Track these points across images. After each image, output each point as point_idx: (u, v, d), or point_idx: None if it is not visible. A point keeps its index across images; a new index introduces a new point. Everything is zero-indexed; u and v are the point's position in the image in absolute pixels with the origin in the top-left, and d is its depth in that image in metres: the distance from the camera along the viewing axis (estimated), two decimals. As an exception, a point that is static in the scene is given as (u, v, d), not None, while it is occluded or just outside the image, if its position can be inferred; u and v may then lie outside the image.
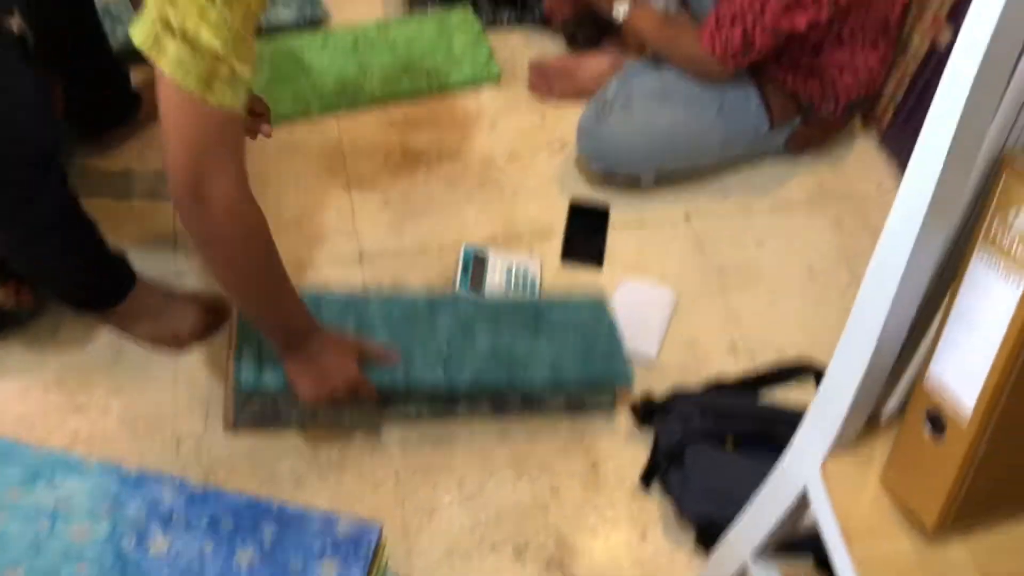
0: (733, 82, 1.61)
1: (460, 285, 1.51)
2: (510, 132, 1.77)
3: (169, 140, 0.97)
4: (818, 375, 1.46)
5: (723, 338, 1.50)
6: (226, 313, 1.43)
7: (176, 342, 1.40)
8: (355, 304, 1.35)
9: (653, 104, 1.60)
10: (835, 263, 1.62)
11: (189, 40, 0.91)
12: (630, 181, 1.67)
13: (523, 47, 1.91)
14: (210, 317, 1.41)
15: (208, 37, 0.91)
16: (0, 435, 1.29)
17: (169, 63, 0.92)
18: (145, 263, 1.40)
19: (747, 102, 1.62)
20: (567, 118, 1.78)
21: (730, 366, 1.47)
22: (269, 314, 1.16)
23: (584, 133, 1.64)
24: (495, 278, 1.52)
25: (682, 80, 1.61)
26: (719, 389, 1.42)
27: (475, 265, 1.53)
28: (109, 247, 1.32)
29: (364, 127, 1.74)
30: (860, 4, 1.48)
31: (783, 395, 1.43)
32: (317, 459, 1.32)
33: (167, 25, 0.90)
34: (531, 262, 1.55)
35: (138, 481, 1.17)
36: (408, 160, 1.70)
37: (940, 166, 0.63)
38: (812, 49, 1.56)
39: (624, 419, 1.39)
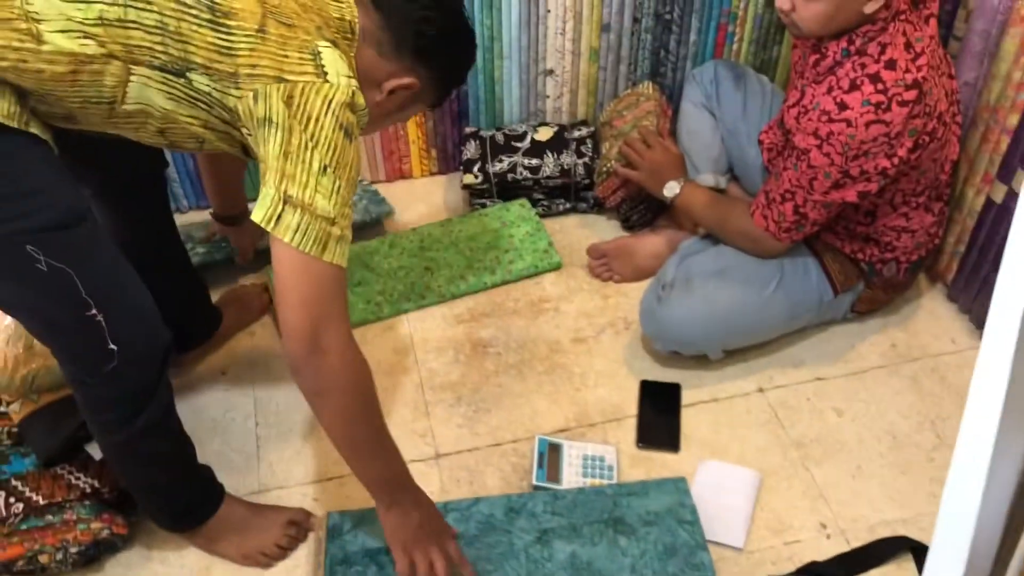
0: (791, 254, 1.63)
1: (536, 478, 1.51)
2: (573, 315, 1.80)
3: (287, 301, 1.09)
4: (915, 550, 1.39)
5: (812, 518, 1.46)
6: (310, 525, 1.45)
7: (264, 559, 1.41)
8: None
9: (712, 283, 1.62)
10: (918, 426, 1.58)
11: (307, 209, 1.06)
12: (698, 356, 1.68)
13: (580, 232, 1.98)
14: (295, 530, 1.43)
15: (323, 203, 1.07)
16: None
17: (290, 232, 1.06)
18: (226, 480, 1.44)
19: (807, 273, 1.64)
20: (630, 297, 1.82)
21: (823, 548, 1.42)
22: (375, 462, 1.24)
23: (646, 316, 1.66)
24: (571, 468, 1.52)
25: (740, 257, 1.64)
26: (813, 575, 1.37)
27: (550, 456, 1.54)
28: (197, 463, 1.37)
29: (433, 323, 1.80)
30: (909, 170, 1.51)
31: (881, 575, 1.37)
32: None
33: (287, 199, 1.06)
34: (607, 450, 1.55)
35: None
36: (477, 353, 1.74)
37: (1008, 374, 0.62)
38: (866, 215, 1.59)
39: (717, 613, 1.35)
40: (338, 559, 1.36)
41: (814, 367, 1.69)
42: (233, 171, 1.70)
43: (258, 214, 1.07)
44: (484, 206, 2.00)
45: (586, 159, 1.96)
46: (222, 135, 1.18)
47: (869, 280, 1.66)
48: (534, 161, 1.96)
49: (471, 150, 2.00)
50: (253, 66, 1.09)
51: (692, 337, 1.63)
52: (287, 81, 1.08)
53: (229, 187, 1.74)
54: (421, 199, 2.07)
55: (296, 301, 1.09)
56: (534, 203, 2.00)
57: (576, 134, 2.00)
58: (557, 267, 1.89)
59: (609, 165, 1.90)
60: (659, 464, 1.54)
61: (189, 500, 1.38)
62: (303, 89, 1.08)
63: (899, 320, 1.76)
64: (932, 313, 1.78)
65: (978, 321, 1.73)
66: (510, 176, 1.96)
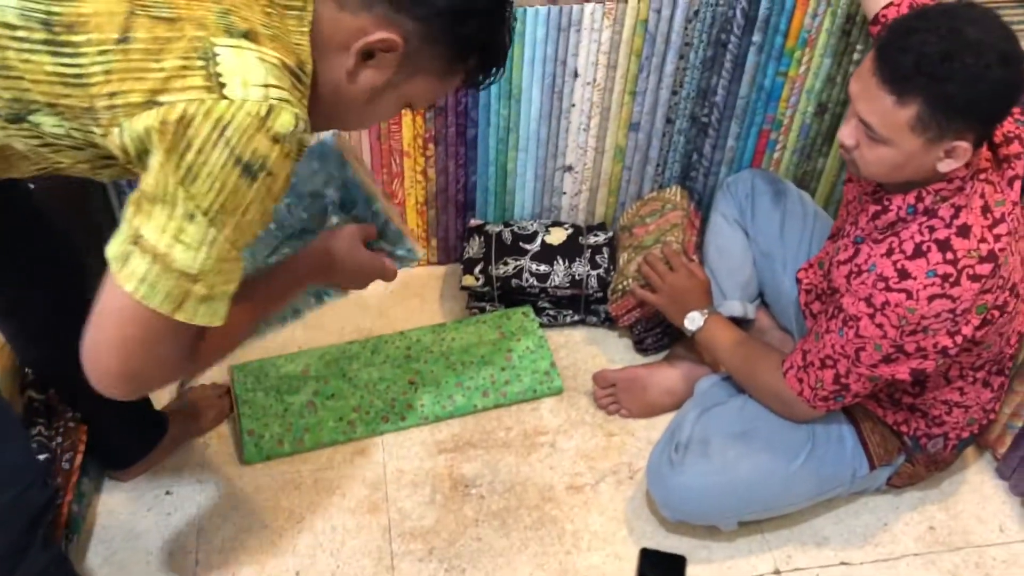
0: (825, 419, 1.42)
1: (511, 664, 1.30)
2: (572, 455, 1.59)
3: (104, 338, 0.86)
4: None
5: None
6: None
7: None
8: None
9: (734, 450, 1.41)
10: (957, 637, 1.36)
11: (160, 259, 0.81)
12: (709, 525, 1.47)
13: (588, 349, 1.77)
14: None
15: (183, 256, 0.82)
16: None
17: (133, 281, 0.82)
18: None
19: (842, 443, 1.43)
20: (637, 437, 1.61)
21: None
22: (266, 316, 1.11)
23: (655, 479, 1.45)
24: (552, 657, 1.31)
25: (768, 417, 1.43)
26: None
27: (529, 639, 1.33)
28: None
29: (411, 450, 1.58)
30: (972, 346, 1.29)
31: None
32: None
33: (138, 241, 0.82)
34: (594, 636, 1.34)
35: None
36: (457, 493, 1.53)
37: None
38: (915, 384, 1.37)
39: None
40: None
41: (840, 548, 1.47)
42: None
43: (111, 249, 0.83)
44: (483, 310, 1.80)
45: (600, 271, 1.75)
46: (125, 171, 0.92)
47: (911, 455, 1.45)
48: (543, 267, 1.75)
49: (474, 247, 1.79)
50: (111, 95, 0.80)
51: (706, 509, 1.42)
52: (161, 104, 0.79)
53: None
54: (415, 292, 1.86)
55: (117, 344, 0.85)
56: (539, 311, 1.79)
57: (592, 240, 1.79)
58: (558, 392, 1.68)
59: (626, 283, 1.69)
60: (654, 660, 1.33)
61: None
62: (184, 112, 0.79)
63: (940, 496, 1.55)
64: (978, 491, 1.56)
65: (1030, 507, 1.51)
66: (515, 281, 1.75)
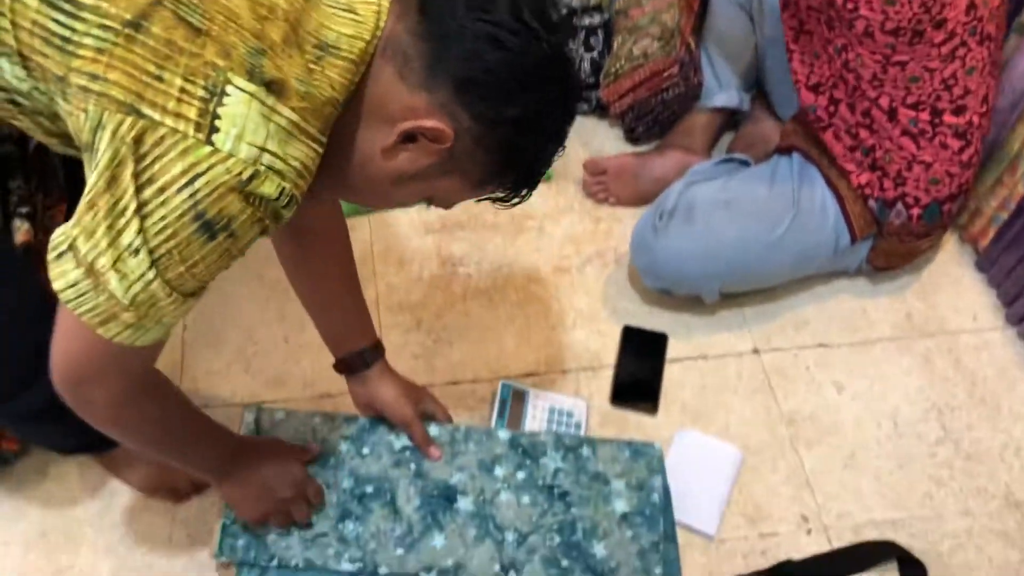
0: (808, 190, 1.42)
1: (495, 426, 1.34)
2: (559, 239, 1.59)
3: (54, 338, 0.80)
4: (901, 560, 1.26)
5: (793, 508, 1.31)
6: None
7: (173, 494, 1.24)
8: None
9: (718, 215, 1.41)
10: (923, 414, 1.42)
11: (94, 274, 0.73)
12: (691, 300, 1.49)
13: (576, 139, 1.73)
14: None
15: (117, 285, 0.73)
16: (-29, 604, 1.15)
17: (61, 282, 0.75)
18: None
19: (824, 212, 1.42)
20: (624, 223, 1.61)
21: (800, 544, 1.28)
22: (184, 461, 1.05)
23: (639, 247, 1.46)
24: (535, 421, 1.35)
25: (752, 189, 1.43)
26: None
27: (513, 404, 1.36)
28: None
29: (399, 230, 1.58)
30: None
31: (862, 585, 1.24)
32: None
33: (72, 248, 0.73)
34: (576, 404, 1.37)
35: None
36: (444, 270, 1.53)
37: None
38: (869, 125, 1.36)
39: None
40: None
41: (818, 330, 1.50)
42: (334, 279, 1.17)
43: (56, 232, 0.75)
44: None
45: (594, 54, 1.70)
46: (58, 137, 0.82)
47: (881, 226, 1.44)
48: (534, 49, 1.69)
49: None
50: (92, 77, 0.70)
51: (688, 273, 1.43)
52: (142, 116, 0.70)
53: (333, 308, 1.19)
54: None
55: (64, 348, 0.80)
56: (529, 97, 1.74)
57: (587, 21, 1.72)
58: (547, 178, 1.66)
59: (620, 65, 1.64)
60: (633, 426, 1.38)
61: (87, 430, 1.20)
62: (162, 138, 0.70)
63: (919, 286, 1.57)
64: (957, 282, 1.58)
65: (1006, 298, 1.54)
66: (505, 63, 1.69)
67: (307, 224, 1.06)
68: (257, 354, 1.41)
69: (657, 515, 1.21)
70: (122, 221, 0.71)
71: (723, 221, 1.41)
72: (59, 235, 0.74)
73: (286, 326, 1.44)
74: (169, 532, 1.23)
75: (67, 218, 0.75)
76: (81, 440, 1.18)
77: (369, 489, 1.19)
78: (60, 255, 0.74)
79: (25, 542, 1.22)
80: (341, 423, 1.25)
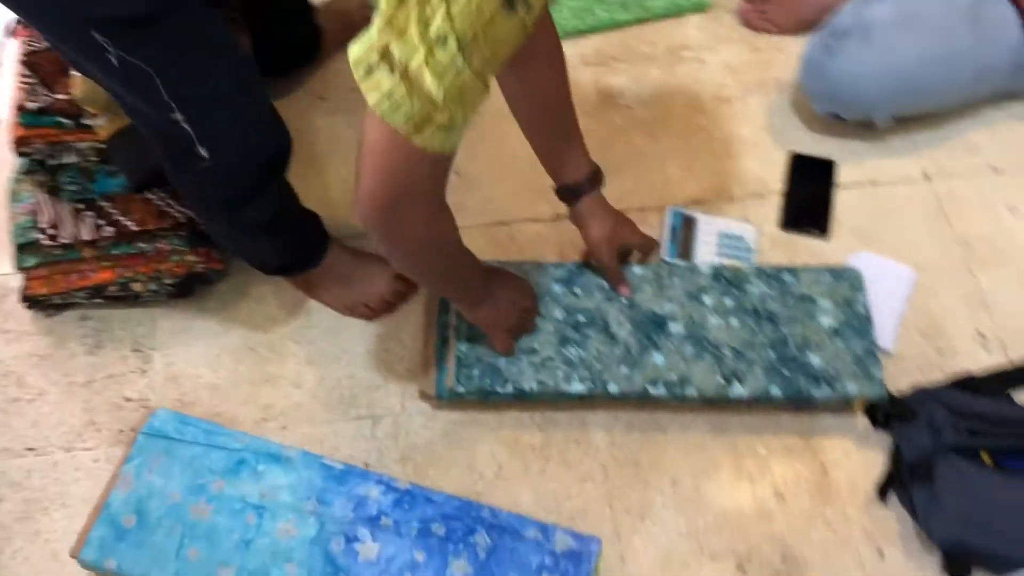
0: (990, 3, 1.36)
1: (667, 253, 1.36)
2: (719, 70, 1.57)
3: (364, 165, 0.83)
4: (1085, 375, 1.26)
5: (969, 325, 1.31)
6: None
7: (367, 312, 1.31)
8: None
9: (898, 33, 1.36)
10: (1103, 236, 1.39)
11: (408, 79, 0.75)
12: (861, 126, 1.46)
13: (733, -33, 1.68)
14: (403, 285, 1.32)
15: (431, 82, 0.75)
16: (196, 407, 1.25)
17: (376, 94, 0.77)
18: (328, 218, 1.31)
19: (1004, 19, 1.37)
20: (785, 53, 1.58)
21: (978, 359, 1.29)
22: (456, 294, 1.15)
23: (811, 69, 1.42)
24: (706, 246, 1.37)
25: (929, 3, 1.37)
26: (967, 388, 1.25)
27: (684, 230, 1.38)
28: (304, 210, 1.24)
29: (555, 63, 1.57)
30: None
31: (1044, 398, 1.25)
32: (519, 445, 1.23)
33: (386, 56, 0.75)
34: (746, 228, 1.38)
35: (342, 477, 1.11)
36: (604, 104, 1.53)
37: None
38: None
39: (858, 418, 1.24)
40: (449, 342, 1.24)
41: (991, 155, 1.47)
42: (552, 107, 1.19)
43: (353, 53, 0.77)
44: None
45: None
46: None
47: None
48: None
49: None
50: None
51: (864, 95, 1.39)
52: None
53: (551, 135, 1.22)
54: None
55: (373, 170, 0.83)
56: (680, -74, 1.69)
57: None
58: (703, 8, 1.63)
59: None
60: (804, 250, 1.38)
61: (291, 253, 1.26)
62: None
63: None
64: None
65: None
66: None
67: (528, 50, 1.07)
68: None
69: (866, 326, 1.23)
70: (428, 9, 0.72)
71: (903, 41, 1.36)
72: (363, 50, 0.76)
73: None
74: (366, 346, 1.30)
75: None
76: (286, 259, 1.26)
77: (582, 318, 1.23)
78: (370, 69, 0.76)
79: (234, 353, 1.30)
80: (550, 267, 1.28)
